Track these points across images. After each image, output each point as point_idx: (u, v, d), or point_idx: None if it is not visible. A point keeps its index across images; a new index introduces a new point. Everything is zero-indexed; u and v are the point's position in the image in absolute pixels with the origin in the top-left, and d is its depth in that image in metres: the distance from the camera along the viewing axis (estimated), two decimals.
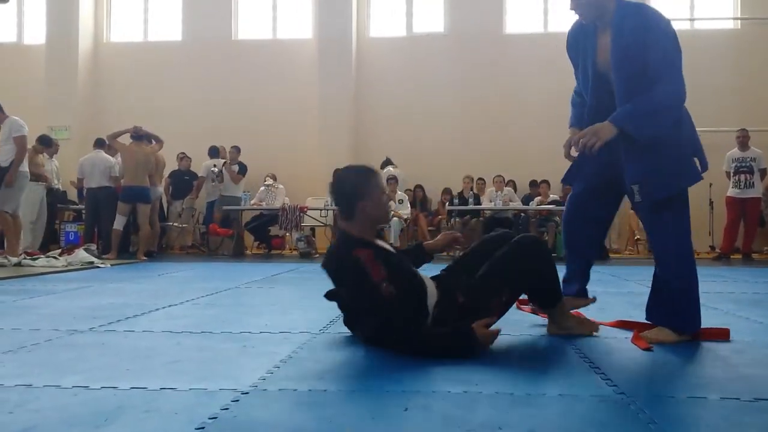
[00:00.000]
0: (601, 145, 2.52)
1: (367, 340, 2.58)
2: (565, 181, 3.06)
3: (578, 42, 2.82)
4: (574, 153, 2.77)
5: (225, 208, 9.71)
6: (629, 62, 2.58)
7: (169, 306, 3.77)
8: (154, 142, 8.57)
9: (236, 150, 9.97)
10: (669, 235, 2.66)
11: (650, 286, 2.79)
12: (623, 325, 3.03)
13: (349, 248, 2.51)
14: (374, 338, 2.51)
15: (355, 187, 2.56)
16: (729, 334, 2.77)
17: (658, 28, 2.59)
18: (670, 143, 2.60)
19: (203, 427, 1.59)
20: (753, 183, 8.66)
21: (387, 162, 10.56)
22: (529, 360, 2.42)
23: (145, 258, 8.14)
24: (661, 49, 2.55)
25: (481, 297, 2.57)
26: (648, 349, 2.54)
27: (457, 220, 9.73)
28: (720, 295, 4.44)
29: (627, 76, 2.60)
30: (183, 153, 10.56)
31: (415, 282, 2.57)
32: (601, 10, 2.65)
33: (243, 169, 10.03)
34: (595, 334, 2.84)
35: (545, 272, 2.69)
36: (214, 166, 10.12)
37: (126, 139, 8.43)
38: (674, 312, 2.68)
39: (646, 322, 2.83)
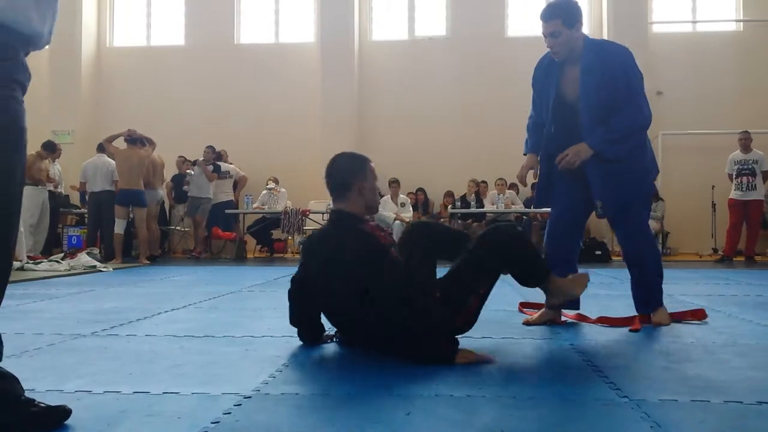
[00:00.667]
0: (579, 163, 2.97)
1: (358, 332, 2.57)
2: (537, 205, 3.44)
3: (547, 74, 3.18)
4: (530, 179, 3.35)
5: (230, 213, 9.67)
6: (597, 96, 2.98)
7: (172, 310, 3.78)
8: (147, 144, 8.54)
9: (211, 150, 9.71)
10: (638, 234, 3.13)
11: (634, 282, 3.20)
12: (605, 321, 3.20)
13: (352, 223, 2.52)
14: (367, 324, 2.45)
15: (352, 168, 2.63)
16: (705, 314, 3.26)
17: (624, 64, 3.00)
18: (634, 160, 3.05)
19: None
20: (755, 185, 8.63)
21: None
22: (532, 363, 2.42)
23: (147, 261, 8.14)
24: (628, 86, 2.98)
25: (457, 292, 2.57)
26: (635, 330, 2.98)
27: (459, 223, 9.71)
28: (723, 297, 4.43)
29: (594, 107, 2.99)
30: (183, 156, 10.50)
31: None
32: (574, 49, 3.04)
33: (217, 169, 9.74)
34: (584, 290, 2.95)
35: (520, 257, 2.70)
36: (188, 170, 10.00)
37: (122, 143, 8.43)
38: (656, 291, 3.16)
39: (627, 316, 3.17)
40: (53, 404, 1.66)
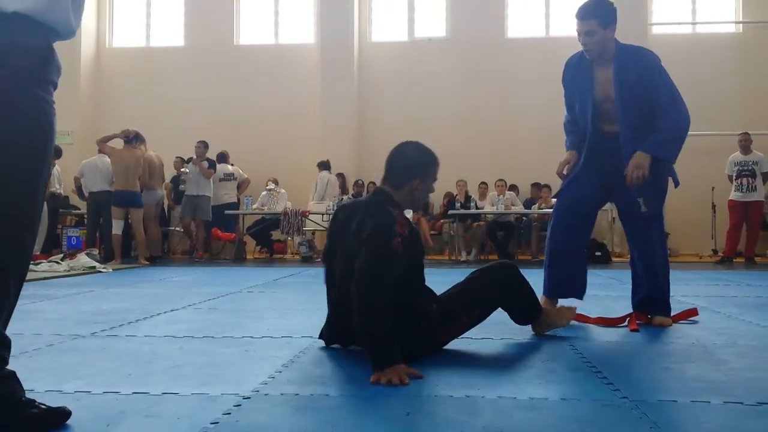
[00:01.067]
0: (647, 174, 3.00)
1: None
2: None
3: (575, 74, 3.25)
4: (564, 171, 3.38)
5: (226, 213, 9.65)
6: (633, 98, 3.05)
7: (171, 311, 3.77)
8: (140, 142, 8.51)
9: (204, 145, 9.55)
10: (657, 243, 3.22)
11: (640, 284, 3.27)
12: (604, 321, 3.21)
13: (386, 203, 2.46)
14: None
15: (417, 164, 2.57)
16: (697, 312, 3.37)
17: (657, 68, 3.07)
18: (666, 167, 3.16)
19: None
20: (755, 186, 8.63)
21: (325, 165, 10.32)
22: (532, 364, 2.42)
23: (146, 262, 8.13)
24: (666, 87, 3.04)
25: (451, 309, 2.54)
26: (634, 330, 3.02)
27: (457, 224, 9.69)
28: (723, 299, 4.43)
29: (630, 108, 3.07)
30: (180, 157, 10.41)
31: (416, 272, 2.49)
32: (606, 49, 3.11)
33: (212, 164, 9.61)
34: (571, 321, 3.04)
35: (521, 295, 2.75)
36: (181, 169, 9.97)
37: (118, 143, 8.41)
38: (665, 303, 3.24)
39: (623, 315, 3.21)
40: (53, 405, 1.66)
